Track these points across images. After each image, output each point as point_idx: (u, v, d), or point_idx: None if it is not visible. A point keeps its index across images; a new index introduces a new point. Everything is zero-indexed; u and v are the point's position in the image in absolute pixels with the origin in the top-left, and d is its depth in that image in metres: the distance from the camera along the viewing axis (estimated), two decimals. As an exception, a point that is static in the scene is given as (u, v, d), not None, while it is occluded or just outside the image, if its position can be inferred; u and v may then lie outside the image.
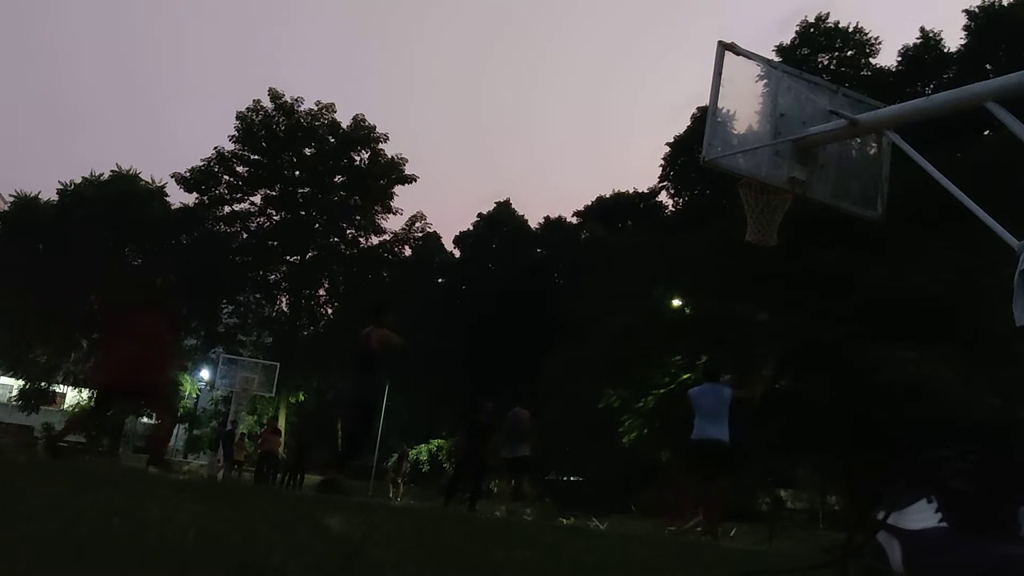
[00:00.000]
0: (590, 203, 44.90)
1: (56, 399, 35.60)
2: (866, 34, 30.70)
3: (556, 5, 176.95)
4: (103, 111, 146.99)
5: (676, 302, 25.91)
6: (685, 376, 22.26)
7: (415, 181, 38.92)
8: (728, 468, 8.54)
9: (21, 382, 33.51)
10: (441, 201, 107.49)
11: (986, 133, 22.04)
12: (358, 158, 38.48)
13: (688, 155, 31.57)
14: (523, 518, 7.08)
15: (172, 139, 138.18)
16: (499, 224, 48.04)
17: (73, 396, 36.42)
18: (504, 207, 48.83)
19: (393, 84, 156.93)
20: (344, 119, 38.28)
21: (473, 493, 12.14)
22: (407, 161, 38.48)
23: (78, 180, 34.11)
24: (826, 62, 30.49)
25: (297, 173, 38.05)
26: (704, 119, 6.60)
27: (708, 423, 8.34)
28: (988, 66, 24.51)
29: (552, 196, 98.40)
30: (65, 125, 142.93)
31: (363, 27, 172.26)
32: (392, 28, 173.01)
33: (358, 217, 38.32)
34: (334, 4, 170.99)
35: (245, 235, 37.85)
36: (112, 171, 34.62)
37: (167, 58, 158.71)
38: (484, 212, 49.12)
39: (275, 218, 37.91)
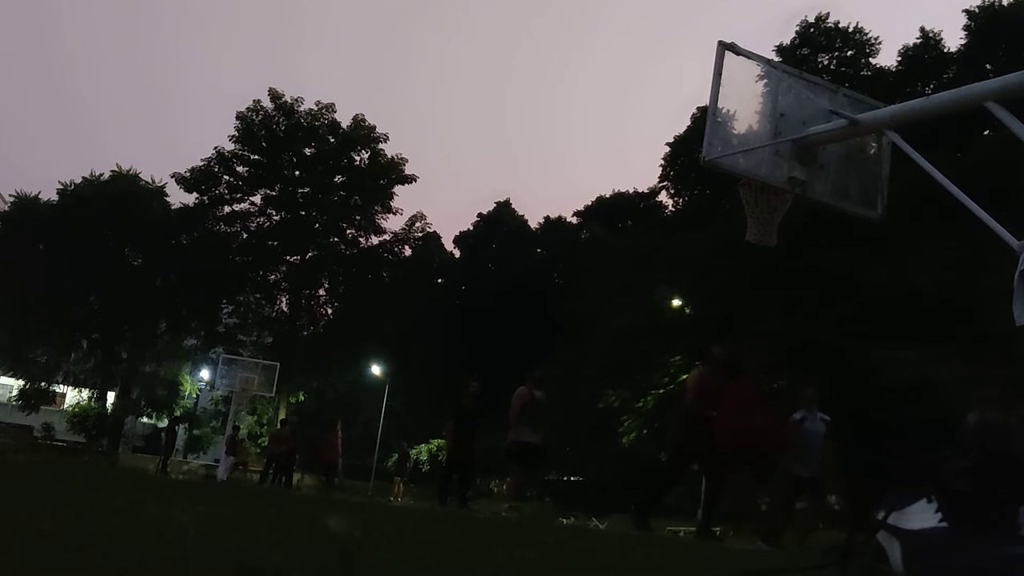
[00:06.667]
0: (590, 203, 44.98)
1: (56, 399, 35.58)
2: (866, 34, 30.74)
3: (582, 7, 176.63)
4: (119, 110, 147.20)
5: (676, 302, 25.94)
6: (684, 376, 22.28)
7: (415, 181, 38.95)
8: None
9: (21, 382, 33.50)
10: (441, 201, 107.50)
11: (986, 133, 22.05)
12: (358, 158, 38.45)
13: (688, 155, 31.58)
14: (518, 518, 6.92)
15: (187, 139, 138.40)
16: (499, 224, 48.07)
17: (73, 396, 36.40)
18: (504, 207, 48.86)
19: (391, 83, 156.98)
20: (344, 119, 38.35)
21: (463, 488, 11.24)
22: (407, 161, 38.49)
23: (78, 180, 34.15)
24: (826, 62, 30.51)
25: (297, 173, 38.03)
26: (704, 119, 6.60)
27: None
28: (988, 66, 24.51)
29: (552, 196, 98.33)
30: (80, 122, 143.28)
31: (366, 24, 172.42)
32: (395, 27, 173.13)
33: (358, 217, 38.33)
34: (336, 2, 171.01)
35: (245, 235, 37.83)
36: (112, 171, 34.65)
37: (182, 57, 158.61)
38: (484, 212, 49.24)
39: (275, 218, 37.89)
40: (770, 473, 8.05)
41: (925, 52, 28.96)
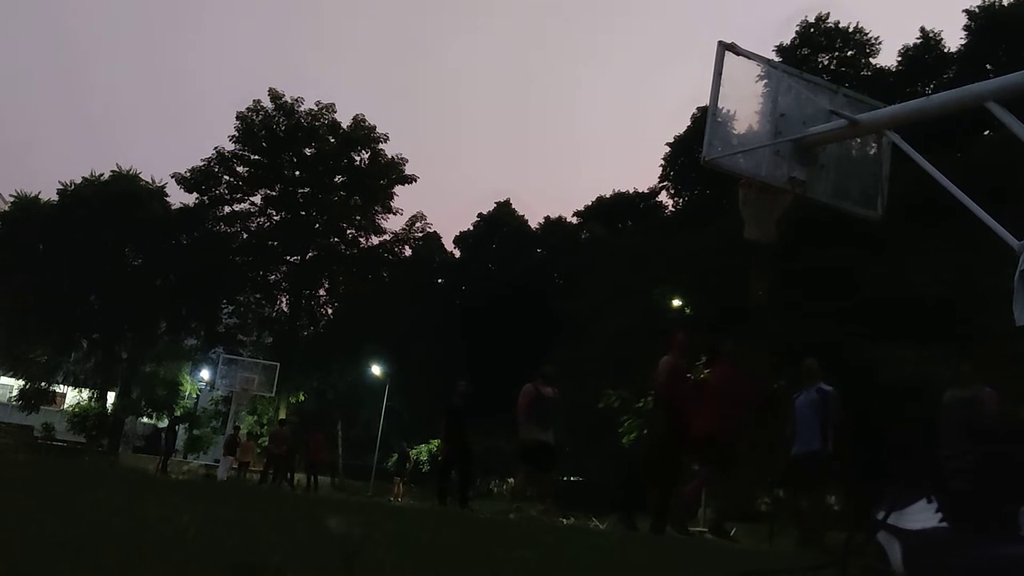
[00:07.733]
0: (590, 203, 45.00)
1: (56, 399, 35.57)
2: (866, 34, 30.77)
3: (583, 8, 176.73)
4: (124, 111, 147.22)
5: (676, 302, 25.93)
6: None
7: (415, 181, 38.96)
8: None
9: (21, 382, 33.47)
10: (441, 201, 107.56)
11: (986, 133, 22.06)
12: (358, 158, 38.46)
13: (688, 155, 31.61)
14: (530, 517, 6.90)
15: (194, 140, 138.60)
16: (499, 224, 48.06)
17: (73, 396, 36.39)
18: (504, 207, 48.84)
19: (391, 83, 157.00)
20: (345, 119, 38.34)
21: (463, 488, 11.33)
22: (407, 161, 38.53)
23: (78, 180, 34.13)
24: (826, 62, 30.54)
25: (297, 173, 38.04)
26: (704, 119, 6.59)
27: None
28: (988, 66, 24.52)
29: (552, 196, 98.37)
30: (85, 123, 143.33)
31: (368, 25, 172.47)
32: (395, 27, 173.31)
33: (358, 217, 38.33)
34: (340, 3, 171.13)
35: (245, 235, 37.84)
36: (112, 171, 34.63)
37: (190, 59, 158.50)
38: (484, 212, 49.23)
39: (275, 218, 37.90)
40: (734, 465, 7.76)
41: (925, 52, 28.98)
